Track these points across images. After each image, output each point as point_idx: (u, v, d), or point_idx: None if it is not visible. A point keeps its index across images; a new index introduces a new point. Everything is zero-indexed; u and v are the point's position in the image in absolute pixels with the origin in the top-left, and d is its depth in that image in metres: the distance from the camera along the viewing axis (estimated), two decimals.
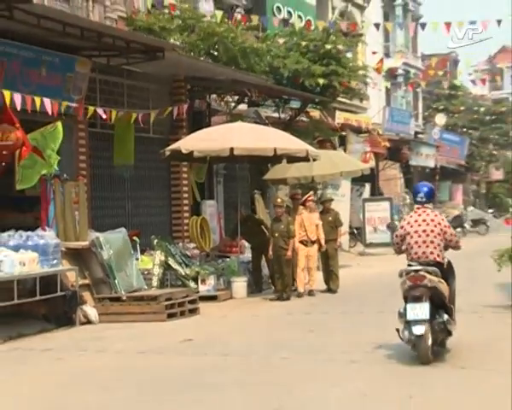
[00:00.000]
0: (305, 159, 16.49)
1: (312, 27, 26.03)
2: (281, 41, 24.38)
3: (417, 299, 8.69)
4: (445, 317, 8.92)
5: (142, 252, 15.16)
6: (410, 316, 8.66)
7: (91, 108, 14.33)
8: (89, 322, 12.63)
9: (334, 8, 34.74)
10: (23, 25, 12.67)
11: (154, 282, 14.63)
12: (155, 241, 15.37)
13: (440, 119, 48.45)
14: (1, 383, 8.71)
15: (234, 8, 26.19)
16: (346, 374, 8.57)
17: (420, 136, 45.76)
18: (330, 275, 16.67)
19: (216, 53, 20.32)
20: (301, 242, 15.87)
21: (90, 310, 12.80)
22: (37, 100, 12.76)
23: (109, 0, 19.61)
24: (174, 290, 14.07)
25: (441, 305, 8.96)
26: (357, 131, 33.08)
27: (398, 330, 8.99)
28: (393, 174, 38.63)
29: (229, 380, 8.44)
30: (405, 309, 8.79)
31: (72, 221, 14.01)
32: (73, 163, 15.12)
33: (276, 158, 16.78)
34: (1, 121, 12.67)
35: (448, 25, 21.16)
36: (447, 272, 9.24)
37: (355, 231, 28.55)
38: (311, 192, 17.68)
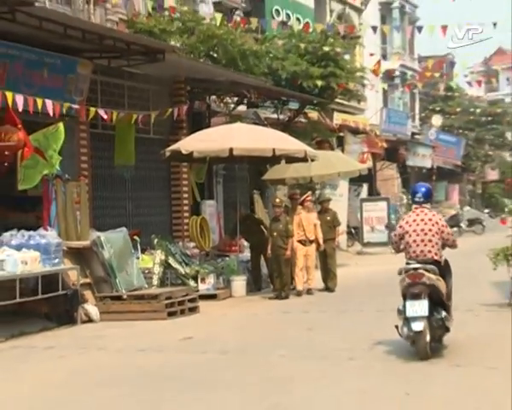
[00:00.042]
0: (304, 159, 16.51)
1: (310, 30, 26.07)
2: (279, 43, 24.38)
3: (416, 296, 8.81)
4: (443, 313, 9.02)
5: (143, 251, 15.15)
6: (410, 313, 8.78)
7: (92, 109, 14.32)
8: (90, 320, 12.63)
9: (331, 11, 34.75)
10: (25, 27, 12.67)
11: (155, 281, 14.63)
12: (156, 240, 15.37)
13: (437, 120, 48.45)
14: (3, 381, 8.72)
15: (233, 11, 26.19)
16: (344, 372, 8.57)
17: (416, 137, 45.77)
18: (328, 274, 16.67)
19: (215, 55, 20.32)
20: (300, 241, 15.87)
21: (92, 309, 12.80)
22: (39, 101, 12.75)
23: (110, 3, 19.62)
24: (174, 289, 14.06)
25: (439, 302, 9.05)
26: (355, 131, 33.10)
27: (397, 326, 9.08)
28: (390, 174, 38.64)
29: (228, 378, 8.44)
30: (404, 306, 8.90)
31: (74, 221, 14.01)
32: (75, 163, 15.12)
33: (274, 158, 16.78)
34: (3, 122, 12.68)
35: (444, 28, 21.17)
36: (444, 270, 9.33)
37: (353, 231, 28.55)
38: (309, 192, 17.68)
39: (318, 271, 16.97)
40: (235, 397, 7.58)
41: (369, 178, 31.04)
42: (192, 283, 15.13)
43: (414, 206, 9.55)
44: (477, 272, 16.01)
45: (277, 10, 29.33)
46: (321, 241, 16.17)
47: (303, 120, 25.37)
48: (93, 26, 15.39)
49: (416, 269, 8.97)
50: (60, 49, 14.06)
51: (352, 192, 29.62)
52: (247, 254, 17.23)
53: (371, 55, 31.50)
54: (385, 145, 35.22)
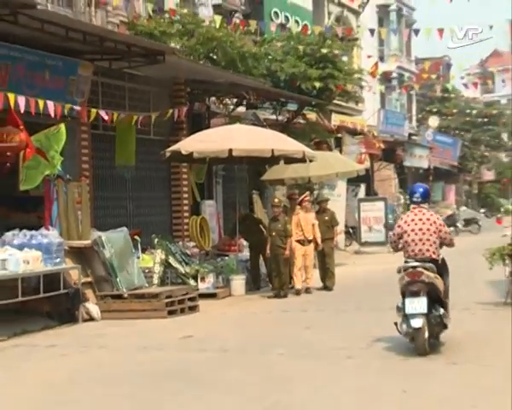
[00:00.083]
0: (302, 160, 16.51)
1: (309, 32, 26.07)
2: (278, 45, 24.39)
3: (415, 294, 8.93)
4: (441, 311, 9.14)
5: (143, 251, 15.14)
6: (409, 310, 8.89)
7: (94, 111, 14.32)
8: (91, 319, 12.62)
9: (330, 14, 34.74)
10: (27, 29, 12.66)
11: (155, 280, 14.63)
12: (156, 240, 15.37)
13: (433, 121, 48.46)
14: (5, 379, 8.71)
15: (232, 14, 26.18)
16: (342, 370, 8.57)
17: (414, 137, 45.79)
18: (326, 273, 16.67)
19: (215, 57, 20.32)
20: (298, 241, 15.86)
21: (93, 307, 12.79)
22: (41, 102, 12.74)
23: (111, 5, 19.62)
24: (174, 288, 14.05)
25: (437, 299, 9.15)
26: (353, 132, 33.10)
27: (396, 323, 9.19)
28: (388, 175, 38.65)
29: (227, 376, 8.43)
30: (404, 303, 9.01)
31: (75, 221, 14.00)
32: (76, 164, 15.10)
33: (273, 159, 16.79)
34: (5, 123, 12.67)
35: (441, 31, 21.15)
36: (442, 269, 9.44)
37: (350, 231, 28.55)
38: (307, 193, 17.67)
39: (317, 270, 16.97)
40: (235, 395, 7.57)
41: (366, 178, 31.04)
42: (192, 282, 15.12)
43: (412, 206, 9.66)
44: (473, 271, 16.01)
45: (276, 13, 29.32)
46: (319, 240, 16.16)
47: (301, 121, 25.37)
48: (94, 28, 15.39)
49: (414, 267, 9.08)
50: (61, 51, 14.05)
51: (350, 192, 29.62)
52: (246, 254, 17.22)
53: (369, 57, 31.50)
54: (382, 146, 35.24)
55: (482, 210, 49.97)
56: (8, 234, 12.23)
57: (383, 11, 43.82)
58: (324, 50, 23.84)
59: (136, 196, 17.73)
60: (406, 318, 8.96)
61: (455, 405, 7.01)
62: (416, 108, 50.88)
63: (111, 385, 8.18)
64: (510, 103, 72.40)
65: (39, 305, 12.20)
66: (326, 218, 16.96)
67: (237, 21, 24.03)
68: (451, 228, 29.23)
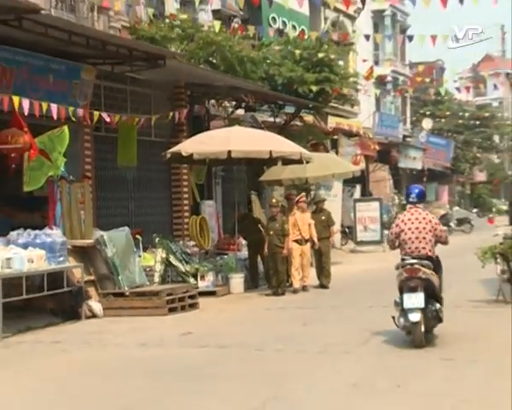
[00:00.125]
0: (299, 161, 16.52)
1: (306, 37, 26.06)
2: (276, 49, 24.40)
3: (413, 289, 9.16)
4: (437, 305, 9.39)
5: (145, 249, 15.13)
6: (407, 305, 9.11)
7: (96, 113, 14.31)
8: (94, 316, 12.62)
9: (326, 19, 34.72)
10: (31, 34, 12.64)
11: (156, 278, 14.62)
12: (157, 239, 15.36)
13: (427, 123, 48.47)
14: (10, 375, 8.72)
15: (231, 19, 26.18)
16: (338, 365, 8.58)
17: (408, 139, 45.78)
18: (323, 271, 16.67)
19: (214, 61, 20.32)
20: (296, 241, 15.85)
21: (95, 305, 12.80)
22: (45, 105, 12.74)
23: (113, 10, 19.61)
24: (175, 286, 14.06)
25: (433, 295, 9.37)
26: (349, 134, 33.09)
27: (393, 317, 9.41)
28: (383, 176, 38.66)
29: (226, 371, 8.44)
30: (401, 299, 9.23)
31: (78, 220, 14.00)
32: (79, 165, 15.11)
33: (271, 160, 16.79)
34: (10, 125, 12.67)
35: (434, 37, 21.12)
36: (436, 265, 9.67)
37: (346, 230, 28.55)
38: (303, 193, 17.65)
39: (313, 268, 16.97)
40: (234, 390, 7.58)
41: (362, 179, 31.06)
42: (192, 280, 15.11)
43: (408, 206, 9.91)
44: (466, 269, 16.02)
45: (274, 18, 29.31)
46: (315, 239, 16.17)
47: (299, 123, 25.37)
48: (97, 32, 15.38)
49: (412, 264, 9.31)
50: (65, 56, 14.05)
51: (346, 193, 29.61)
52: (244, 253, 17.22)
53: (364, 61, 31.50)
54: (377, 148, 35.24)
55: (474, 210, 49.98)
56: (13, 233, 12.23)
57: (378, 16, 43.81)
58: (321, 55, 23.84)
59: (137, 196, 17.72)
60: (404, 312, 9.18)
61: (446, 399, 7.02)
62: (410, 110, 50.87)
63: (112, 380, 8.18)
64: (501, 106, 72.56)
65: (43, 302, 12.21)
66: (323, 218, 16.96)
67: (236, 26, 24.04)
68: (445, 227, 29.28)
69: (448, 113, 53.97)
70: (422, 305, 9.08)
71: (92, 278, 13.25)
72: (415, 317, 9.04)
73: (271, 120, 24.43)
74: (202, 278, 15.28)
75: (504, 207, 52.53)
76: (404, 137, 44.71)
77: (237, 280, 15.85)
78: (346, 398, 7.18)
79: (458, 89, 46.69)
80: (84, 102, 14.65)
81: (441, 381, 7.65)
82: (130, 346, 10.20)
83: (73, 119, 13.45)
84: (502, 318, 11.44)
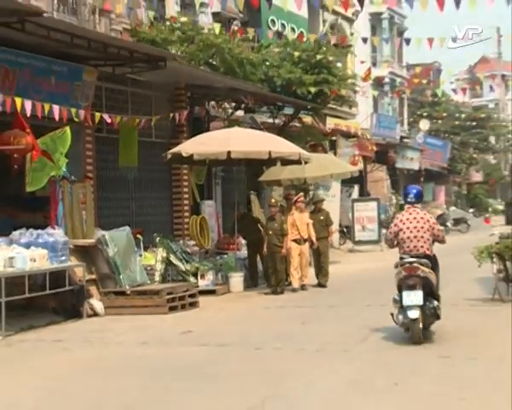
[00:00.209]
0: (298, 162, 16.51)
1: (304, 39, 26.04)
2: (275, 51, 24.41)
3: (412, 287, 9.29)
4: (435, 303, 9.51)
5: (146, 249, 15.13)
6: (406, 302, 9.24)
7: (98, 114, 14.31)
8: (95, 314, 12.62)
9: (324, 21, 34.73)
10: (34, 36, 12.63)
11: (157, 277, 14.61)
12: (158, 238, 15.35)
13: (424, 124, 48.47)
14: (13, 372, 8.71)
15: (231, 21, 26.17)
16: (337, 363, 8.57)
17: (405, 140, 45.79)
18: (321, 271, 16.67)
19: (214, 63, 20.32)
20: (294, 240, 15.84)
21: (97, 303, 12.79)
22: (47, 106, 12.74)
23: (114, 13, 19.60)
24: (175, 285, 14.05)
25: (430, 293, 9.49)
26: (347, 135, 33.08)
27: (392, 314, 9.52)
28: (380, 176, 38.65)
29: (226, 369, 8.44)
30: (400, 296, 9.36)
31: (80, 220, 13.99)
32: (81, 166, 15.11)
33: (270, 161, 16.78)
34: (13, 127, 12.66)
35: (430, 40, 21.10)
36: (433, 264, 9.77)
37: (344, 230, 28.53)
38: (301, 194, 17.64)
39: (311, 268, 16.96)
40: (233, 388, 7.57)
41: (360, 179, 31.04)
42: (192, 279, 15.11)
43: (406, 206, 10.05)
44: (462, 268, 16.01)
45: (273, 20, 29.30)
46: (314, 239, 16.15)
47: (297, 124, 25.38)
48: (98, 35, 15.38)
49: (411, 263, 9.43)
50: (67, 58, 14.04)
51: (344, 193, 29.60)
52: (244, 252, 17.22)
53: (362, 62, 31.52)
54: (375, 148, 35.23)
55: (471, 210, 49.95)
56: (16, 233, 12.22)
57: (376, 19, 43.82)
58: (319, 57, 23.84)
59: (138, 196, 17.72)
60: (403, 309, 9.30)
61: (444, 397, 7.01)
62: (408, 111, 50.88)
63: (113, 378, 8.17)
64: (497, 108, 72.56)
65: (45, 301, 12.20)
66: (321, 217, 16.95)
67: (235, 29, 24.03)
68: (442, 227, 29.27)
69: (445, 114, 54.00)
70: (421, 302, 9.21)
71: (94, 277, 13.25)
72: (413, 314, 9.16)
73: (270, 121, 24.43)
74: (202, 277, 15.27)
75: (500, 207, 52.54)
76: (402, 137, 44.71)
77: (237, 279, 15.84)
78: (344, 396, 7.17)
79: (455, 90, 46.66)
80: (86, 103, 14.64)
81: (438, 379, 7.64)
82: (131, 344, 10.19)
83: (76, 119, 13.45)
84: (498, 316, 11.47)
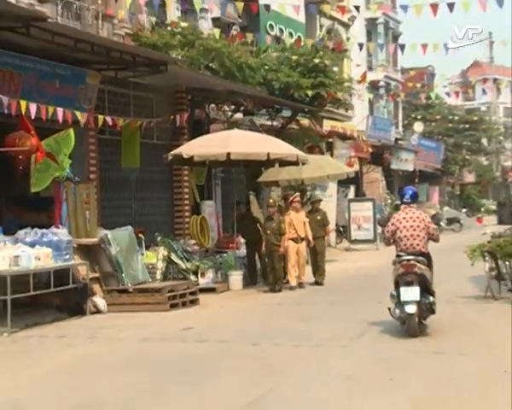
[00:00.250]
0: (296, 163, 16.52)
1: (302, 43, 26.07)
2: (274, 55, 24.42)
3: (409, 283, 9.52)
4: (431, 298, 9.71)
5: (147, 248, 15.13)
6: (404, 297, 9.46)
7: (101, 117, 14.31)
8: (98, 312, 12.61)
9: (321, 26, 34.72)
10: (38, 41, 12.64)
11: (158, 275, 14.61)
12: (159, 238, 15.35)
13: (418, 126, 48.44)
14: (18, 368, 8.71)
15: (230, 26, 26.17)
16: (334, 359, 8.57)
17: (400, 142, 45.76)
18: (318, 269, 16.67)
19: (214, 66, 20.32)
20: (292, 239, 15.83)
21: (100, 301, 12.79)
22: (51, 109, 12.73)
23: (117, 18, 19.61)
24: (176, 283, 14.04)
25: (426, 288, 9.69)
26: (343, 137, 33.07)
27: (389, 308, 9.75)
28: (376, 177, 38.61)
29: (225, 364, 8.44)
30: (398, 292, 9.57)
31: (83, 220, 13.98)
32: (84, 167, 15.10)
33: (269, 162, 16.78)
34: (18, 129, 12.65)
35: (424, 46, 21.14)
36: (428, 261, 9.98)
37: (341, 229, 28.53)
38: (297, 194, 17.61)
39: (309, 266, 16.97)
40: (233, 383, 7.57)
41: (356, 180, 31.03)
42: (193, 277, 15.10)
43: (403, 206, 10.26)
44: (456, 267, 16.03)
45: (271, 25, 29.30)
46: (310, 237, 16.15)
47: (295, 126, 25.37)
48: (101, 39, 15.37)
49: (409, 260, 9.64)
50: (70, 62, 14.04)
51: (341, 193, 29.60)
52: (243, 251, 17.21)
53: (358, 65, 31.52)
54: (370, 150, 35.23)
55: (464, 210, 49.95)
56: (21, 232, 12.22)
57: (371, 24, 43.81)
58: (316, 61, 23.86)
59: (140, 196, 17.71)
60: (400, 304, 9.51)
61: (439, 392, 7.01)
62: (402, 114, 50.87)
63: (116, 373, 8.17)
64: (489, 110, 72.58)
65: (50, 299, 12.20)
66: (318, 217, 16.95)
67: (235, 33, 24.03)
68: (436, 226, 29.25)
69: (438, 117, 54.01)
70: (418, 298, 9.42)
71: (97, 275, 13.24)
72: (411, 309, 9.37)
73: (269, 123, 24.43)
74: (202, 275, 15.27)
75: (492, 207, 52.61)
76: (397, 139, 44.69)
77: (236, 277, 15.83)
78: (341, 391, 7.17)
79: (448, 94, 46.61)
80: (89, 106, 14.65)
81: (433, 374, 7.64)
82: (133, 340, 10.19)
83: (81, 120, 13.44)
84: (490, 313, 11.49)
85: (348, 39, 35.20)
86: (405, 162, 43.20)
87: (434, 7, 17.48)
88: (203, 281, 15.16)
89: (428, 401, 6.78)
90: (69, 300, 12.37)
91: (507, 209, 41.75)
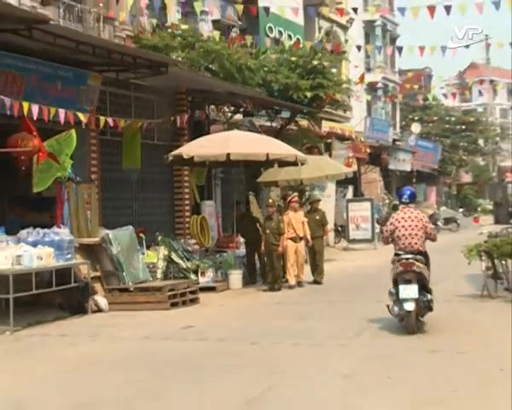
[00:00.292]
0: (295, 163, 16.51)
1: (301, 45, 26.06)
2: (273, 57, 24.42)
3: (408, 281, 9.61)
4: (429, 296, 9.80)
5: (148, 247, 15.13)
6: (402, 295, 9.55)
7: (102, 118, 14.30)
8: (100, 310, 12.60)
9: (320, 28, 34.72)
10: (41, 43, 12.63)
11: (159, 274, 14.61)
12: (159, 237, 15.35)
13: (416, 127, 48.45)
14: (21, 366, 8.70)
15: (230, 28, 26.17)
16: (333, 357, 8.57)
17: (397, 143, 45.76)
18: (317, 268, 16.67)
19: (214, 68, 20.31)
20: (291, 239, 15.83)
21: (101, 300, 12.78)
22: (53, 110, 12.73)
23: (118, 20, 19.60)
24: (176, 282, 14.04)
25: (424, 286, 9.78)
26: (341, 138, 33.08)
27: (388, 306, 9.83)
28: (374, 177, 38.63)
29: (225, 362, 8.43)
30: (397, 289, 9.65)
31: (85, 220, 13.97)
32: (86, 167, 15.09)
33: (268, 162, 16.77)
34: (20, 130, 12.65)
35: (422, 48, 21.17)
36: (426, 259, 10.06)
37: (339, 229, 28.53)
38: (295, 194, 17.60)
39: (308, 265, 16.96)
40: (233, 381, 7.57)
41: (354, 180, 31.03)
42: (193, 276, 15.10)
43: (401, 206, 10.33)
44: (452, 266, 16.03)
45: (270, 28, 29.30)
46: (309, 237, 16.14)
47: (294, 127, 25.37)
48: (102, 41, 15.37)
49: (407, 259, 9.73)
50: (72, 63, 14.03)
51: (339, 193, 29.60)
52: (243, 250, 17.20)
53: (356, 67, 31.53)
54: (368, 151, 35.23)
55: (460, 210, 49.98)
56: (23, 232, 12.22)
57: (369, 26, 43.81)
58: (315, 62, 23.86)
59: (141, 196, 17.71)
60: (399, 301, 9.59)
61: (437, 390, 7.01)
62: (400, 115, 50.88)
63: (117, 371, 8.16)
64: (486, 111, 72.59)
65: (52, 297, 12.19)
66: (317, 217, 16.94)
67: (234, 36, 24.02)
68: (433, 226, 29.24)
69: (435, 118, 54.05)
70: (416, 296, 9.52)
71: (98, 274, 13.24)
72: (409, 306, 9.46)
73: (268, 124, 24.42)
74: (203, 274, 15.26)
75: (489, 207, 52.66)
76: (394, 140, 44.70)
77: (236, 276, 15.83)
78: (340, 389, 7.17)
79: (445, 95, 46.70)
80: (91, 107, 14.64)
81: (430, 372, 7.63)
82: (134, 339, 10.19)
83: (82, 121, 13.43)
84: (487, 312, 11.50)
85: (346, 41, 35.20)
86: (403, 163, 43.23)
87: (431, 9, 17.49)
88: (203, 280, 15.16)
89: (426, 399, 6.77)
90: (71, 299, 12.37)
91: (503, 209, 41.82)
